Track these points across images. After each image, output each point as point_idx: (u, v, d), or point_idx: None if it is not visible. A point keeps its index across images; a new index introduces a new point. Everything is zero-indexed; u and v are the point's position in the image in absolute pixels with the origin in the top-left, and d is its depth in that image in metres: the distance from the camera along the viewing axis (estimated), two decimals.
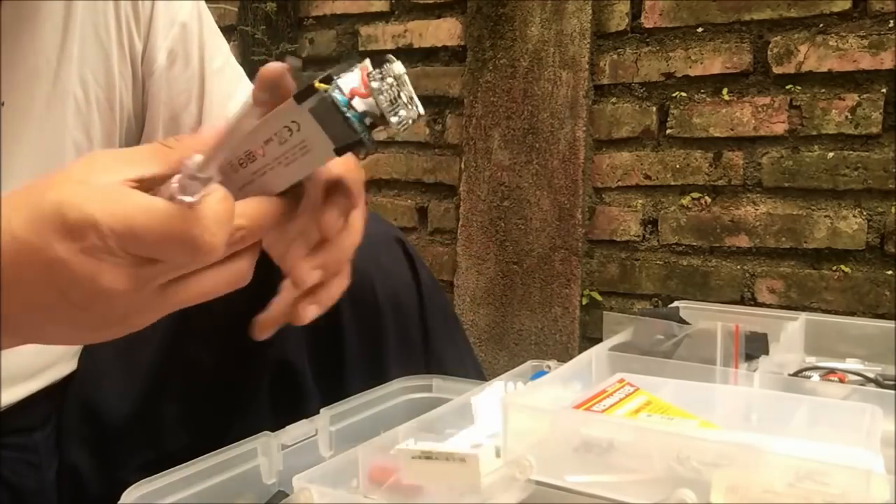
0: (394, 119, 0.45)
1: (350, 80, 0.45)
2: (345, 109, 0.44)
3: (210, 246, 0.42)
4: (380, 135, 1.62)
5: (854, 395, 0.70)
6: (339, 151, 0.45)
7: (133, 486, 0.57)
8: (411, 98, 0.46)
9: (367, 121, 0.45)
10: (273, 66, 0.45)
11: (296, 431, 0.69)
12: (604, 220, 1.82)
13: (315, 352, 0.82)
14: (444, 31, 1.97)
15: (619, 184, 1.80)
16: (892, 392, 0.64)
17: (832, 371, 0.84)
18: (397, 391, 0.79)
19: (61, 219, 0.41)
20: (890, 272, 1.56)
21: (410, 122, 0.46)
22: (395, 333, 0.84)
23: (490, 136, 1.86)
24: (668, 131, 1.74)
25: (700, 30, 1.69)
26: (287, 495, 0.63)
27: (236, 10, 2.14)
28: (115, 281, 0.42)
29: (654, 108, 1.75)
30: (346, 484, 0.58)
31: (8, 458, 0.76)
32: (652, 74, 1.74)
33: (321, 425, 0.71)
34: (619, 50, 1.78)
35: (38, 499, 0.78)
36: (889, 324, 0.91)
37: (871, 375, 0.83)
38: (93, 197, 0.41)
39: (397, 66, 0.45)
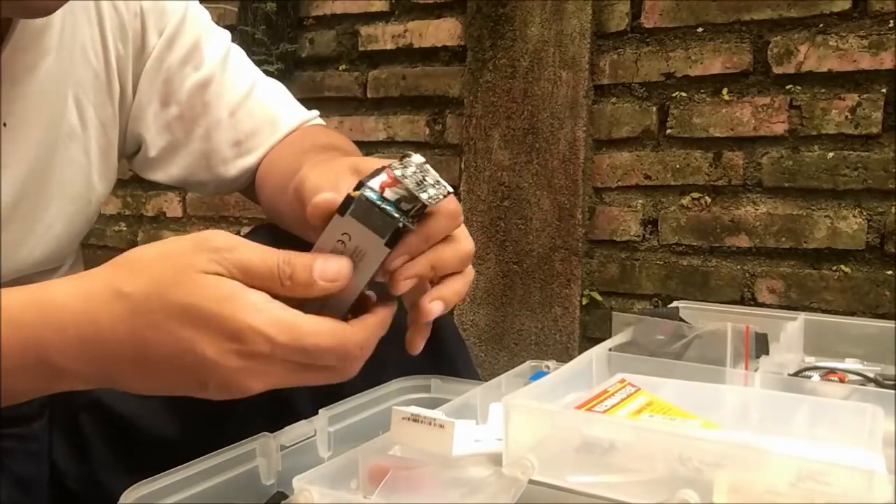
0: (423, 195, 0.50)
1: (378, 179, 0.50)
2: (380, 202, 0.49)
3: (359, 358, 0.50)
4: (379, 134, 1.62)
5: (854, 395, 0.70)
6: (389, 243, 0.50)
7: (132, 486, 0.56)
8: (437, 181, 0.51)
9: (403, 206, 0.50)
10: (323, 200, 0.51)
11: (294, 432, 0.69)
12: (604, 220, 1.82)
13: None
14: (444, 31, 1.97)
15: (619, 184, 1.79)
16: (892, 392, 0.64)
17: (832, 371, 0.84)
18: (396, 391, 0.79)
19: (220, 322, 0.46)
20: (890, 272, 1.56)
21: (441, 197, 0.51)
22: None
23: (490, 136, 1.86)
24: (668, 131, 1.74)
25: (700, 30, 1.69)
26: (286, 496, 0.63)
27: (236, 10, 2.14)
28: (259, 382, 0.49)
29: (654, 108, 1.75)
30: (346, 485, 0.58)
31: (10, 449, 0.76)
32: (652, 74, 1.74)
33: (319, 426, 0.71)
34: (619, 50, 1.77)
35: (39, 487, 0.78)
36: (889, 324, 0.90)
37: (871, 375, 0.83)
38: (249, 307, 0.47)
39: (417, 157, 0.51)
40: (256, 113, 0.86)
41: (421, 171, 0.51)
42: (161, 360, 0.48)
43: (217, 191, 0.92)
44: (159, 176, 0.88)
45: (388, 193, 0.49)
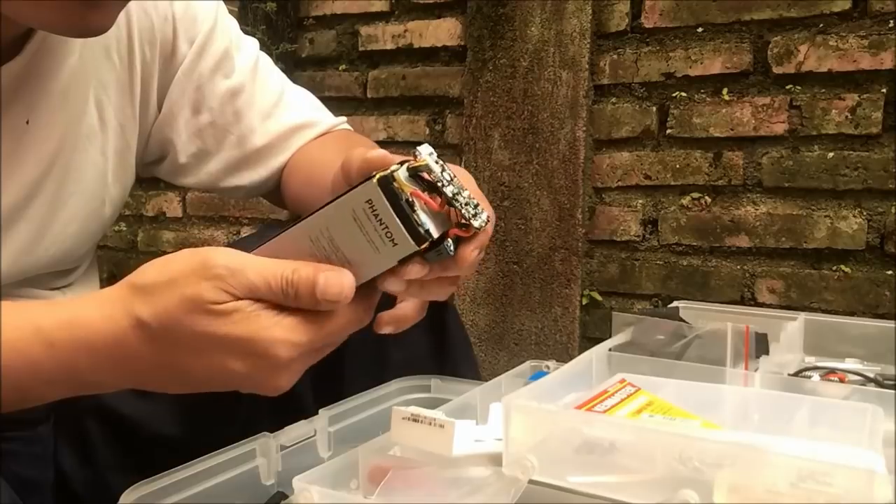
0: (478, 222, 0.51)
1: (433, 222, 0.50)
2: (449, 252, 0.51)
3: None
4: (379, 134, 1.62)
5: (854, 395, 0.70)
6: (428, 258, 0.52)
7: (132, 487, 0.56)
8: (475, 202, 0.51)
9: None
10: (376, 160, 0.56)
11: (294, 432, 0.69)
12: (604, 220, 1.82)
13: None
14: (444, 31, 1.97)
15: (619, 184, 1.79)
16: (892, 392, 0.64)
17: (832, 371, 0.84)
18: (396, 391, 0.79)
19: (245, 344, 0.49)
20: (890, 272, 1.56)
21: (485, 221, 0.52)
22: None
23: (490, 136, 1.86)
24: (668, 131, 1.74)
25: (700, 30, 1.69)
26: (286, 496, 0.63)
27: (236, 10, 2.14)
28: (290, 380, 0.52)
29: (654, 108, 1.75)
30: (346, 485, 0.58)
31: (16, 452, 0.76)
32: (652, 74, 1.74)
33: (320, 426, 0.71)
34: (619, 50, 1.77)
35: (44, 490, 0.79)
36: (889, 324, 0.90)
37: (871, 375, 0.82)
38: (266, 324, 0.49)
39: (452, 176, 0.51)
40: (286, 119, 0.88)
41: (467, 192, 0.51)
42: (193, 374, 0.52)
43: (248, 195, 0.93)
44: (189, 180, 0.89)
45: (456, 241, 0.51)
